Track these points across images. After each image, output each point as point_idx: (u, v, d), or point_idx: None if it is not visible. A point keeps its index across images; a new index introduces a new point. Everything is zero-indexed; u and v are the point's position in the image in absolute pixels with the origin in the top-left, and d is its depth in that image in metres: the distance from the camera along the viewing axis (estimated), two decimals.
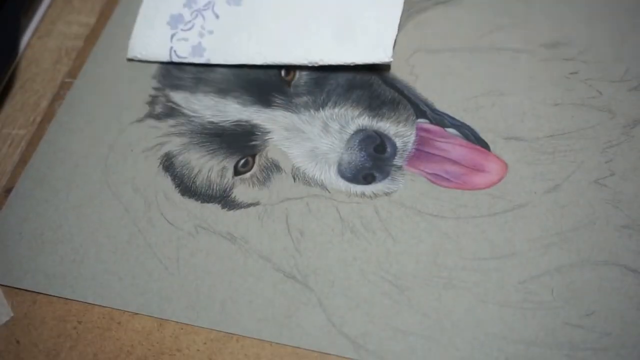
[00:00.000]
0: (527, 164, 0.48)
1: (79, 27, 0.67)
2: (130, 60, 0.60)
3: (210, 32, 0.58)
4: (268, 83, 0.56)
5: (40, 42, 0.67)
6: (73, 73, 0.62)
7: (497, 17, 0.56)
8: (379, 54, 0.53)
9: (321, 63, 0.55)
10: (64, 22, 0.68)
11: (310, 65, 0.55)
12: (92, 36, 0.65)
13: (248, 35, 0.58)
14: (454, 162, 0.49)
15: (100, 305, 0.49)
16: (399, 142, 0.51)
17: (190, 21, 0.58)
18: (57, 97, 0.61)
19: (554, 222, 0.46)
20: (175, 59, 0.58)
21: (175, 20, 0.59)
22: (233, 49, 0.57)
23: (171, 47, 0.58)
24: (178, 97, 0.57)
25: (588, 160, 0.47)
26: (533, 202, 0.47)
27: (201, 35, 0.58)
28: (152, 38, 0.59)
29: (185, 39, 0.58)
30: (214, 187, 0.52)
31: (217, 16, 0.58)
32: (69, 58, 0.64)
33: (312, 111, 0.54)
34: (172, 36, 0.58)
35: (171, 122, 0.56)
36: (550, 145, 0.49)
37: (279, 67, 0.56)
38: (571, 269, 0.44)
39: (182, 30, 0.58)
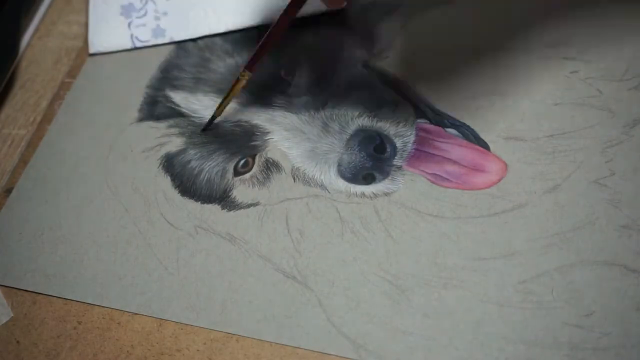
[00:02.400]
0: (527, 164, 0.48)
1: (79, 27, 0.67)
2: (93, 55, 0.60)
3: (165, 14, 0.60)
4: (268, 83, 0.56)
5: (40, 42, 0.67)
6: (73, 73, 0.63)
7: (497, 16, 0.56)
8: None
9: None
10: (64, 22, 0.68)
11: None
12: None
13: (204, 9, 0.60)
14: (454, 162, 0.49)
15: (100, 306, 0.49)
16: (398, 143, 0.51)
17: (142, 8, 0.60)
18: (57, 97, 0.61)
19: (554, 222, 0.46)
20: (138, 44, 0.60)
21: (127, 10, 0.61)
22: (193, 24, 0.60)
23: (131, 34, 0.60)
24: (178, 97, 0.57)
25: (588, 160, 0.47)
26: (533, 202, 0.47)
27: (157, 18, 0.60)
28: (109, 30, 0.61)
29: (143, 25, 0.61)
30: (214, 188, 0.52)
31: None
32: (69, 58, 0.65)
33: (312, 111, 0.54)
34: (129, 24, 0.60)
35: (171, 122, 0.56)
36: (550, 145, 0.49)
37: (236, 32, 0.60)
38: (571, 269, 0.44)
39: (137, 18, 0.61)
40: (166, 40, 0.60)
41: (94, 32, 0.61)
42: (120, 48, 0.61)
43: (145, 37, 0.60)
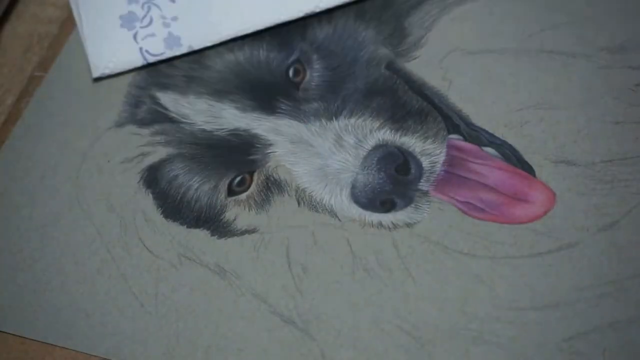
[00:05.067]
0: (579, 195, 0.48)
1: (55, 9, 0.67)
2: (97, 80, 0.59)
3: (175, 19, 0.58)
4: (272, 85, 0.56)
5: (9, 26, 0.67)
6: (45, 65, 0.63)
7: (551, 12, 0.55)
8: None
9: (322, 6, 0.56)
10: (37, 3, 0.68)
11: (307, 14, 0.56)
12: (70, 21, 0.65)
13: (223, 7, 0.58)
14: (491, 188, 0.49)
15: (63, 347, 0.48)
16: (425, 162, 0.50)
17: (145, 15, 0.58)
18: (25, 93, 0.61)
19: (609, 267, 0.45)
20: (150, 59, 0.58)
21: (128, 20, 0.58)
22: (213, 26, 0.58)
23: (140, 48, 0.58)
24: (166, 98, 0.57)
25: None
26: (585, 242, 0.46)
27: (166, 25, 0.58)
28: (112, 46, 0.59)
29: (152, 35, 0.58)
30: (203, 210, 0.52)
31: (172, 0, 0.59)
32: (41, 47, 0.65)
33: (323, 121, 0.53)
34: (135, 36, 0.58)
35: (156, 128, 0.56)
36: (609, 173, 0.48)
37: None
38: (628, 325, 0.43)
39: (141, 27, 0.58)
40: (184, 50, 0.58)
41: (93, 51, 0.59)
42: (130, 67, 0.59)
43: (158, 49, 0.58)
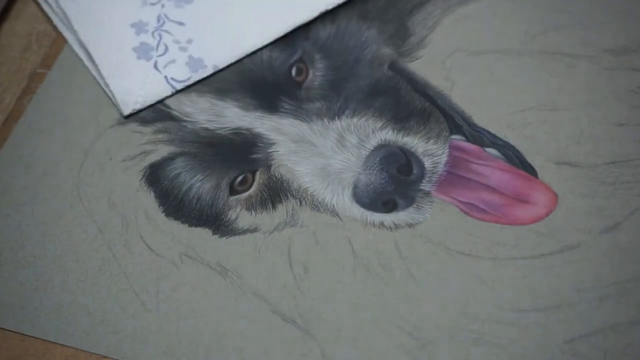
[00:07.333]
0: (581, 196, 0.48)
1: None
2: (128, 116, 0.57)
3: (190, 42, 0.57)
4: (275, 84, 0.56)
5: (8, 24, 0.67)
6: (47, 63, 0.63)
7: (554, 14, 0.55)
8: None
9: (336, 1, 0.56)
10: (36, 2, 0.68)
11: (324, 11, 0.56)
12: None
13: (240, 22, 0.58)
14: (493, 189, 0.49)
15: (63, 345, 0.48)
16: (427, 163, 0.50)
17: (159, 43, 0.57)
18: (27, 91, 0.61)
19: (611, 269, 0.45)
20: (178, 86, 0.56)
21: (143, 51, 0.57)
22: (234, 42, 0.57)
23: (165, 77, 0.56)
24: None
25: None
26: (587, 243, 0.46)
27: (183, 49, 0.57)
28: (137, 80, 0.57)
29: (172, 61, 0.57)
30: (205, 208, 0.52)
31: (181, 24, 0.58)
32: (40, 45, 0.64)
33: (325, 120, 0.53)
34: (155, 65, 0.56)
35: (158, 126, 0.56)
36: (611, 174, 0.48)
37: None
38: (629, 327, 0.43)
39: (159, 56, 0.57)
40: (210, 71, 0.57)
41: (119, 89, 0.57)
42: (159, 97, 0.57)
43: (183, 74, 0.57)
